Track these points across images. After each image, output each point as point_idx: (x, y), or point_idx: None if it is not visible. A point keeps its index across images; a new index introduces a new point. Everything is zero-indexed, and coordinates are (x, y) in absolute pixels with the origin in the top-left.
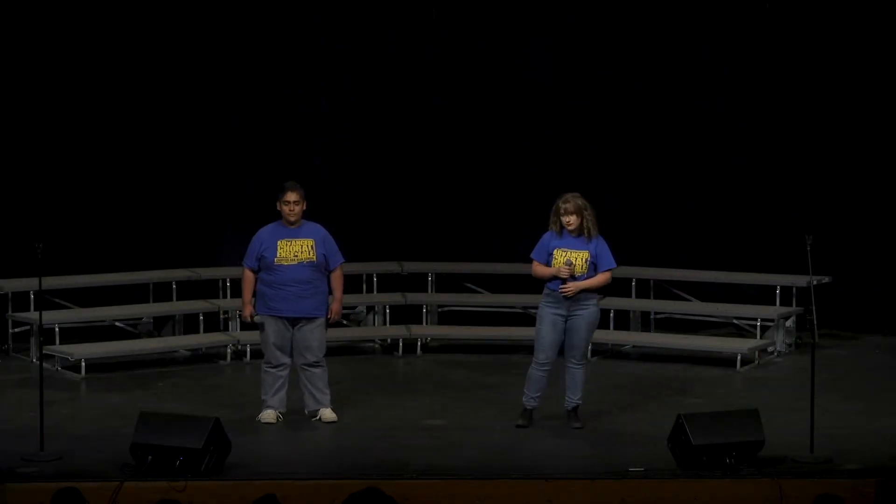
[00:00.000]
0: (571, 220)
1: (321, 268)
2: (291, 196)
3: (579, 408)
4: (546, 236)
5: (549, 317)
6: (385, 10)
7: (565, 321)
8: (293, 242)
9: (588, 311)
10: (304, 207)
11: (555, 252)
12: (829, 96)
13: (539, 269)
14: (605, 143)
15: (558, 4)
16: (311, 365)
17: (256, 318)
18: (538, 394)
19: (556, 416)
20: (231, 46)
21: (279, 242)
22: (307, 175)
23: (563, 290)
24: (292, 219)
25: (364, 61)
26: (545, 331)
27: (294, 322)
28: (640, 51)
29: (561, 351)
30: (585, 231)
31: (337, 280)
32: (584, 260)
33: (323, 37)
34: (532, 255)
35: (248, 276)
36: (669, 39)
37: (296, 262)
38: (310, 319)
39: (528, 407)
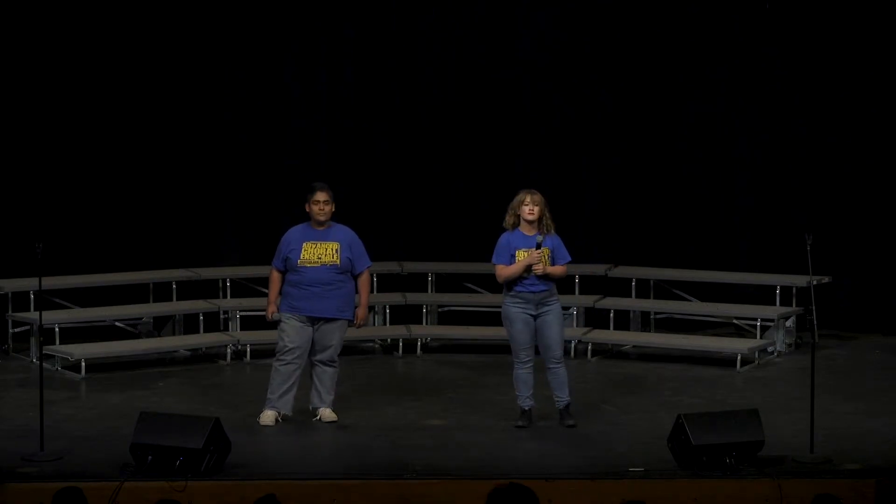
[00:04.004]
0: (535, 210)
1: (345, 271)
2: (321, 196)
3: (570, 405)
4: (503, 239)
5: (519, 316)
6: (386, 9)
7: (535, 319)
8: (318, 245)
9: (555, 308)
10: (333, 208)
11: (517, 253)
12: (829, 96)
13: (506, 270)
14: (604, 143)
15: (556, 5)
16: (324, 363)
17: (276, 317)
18: (531, 392)
19: (556, 417)
20: (231, 47)
21: (304, 245)
22: (307, 175)
23: (536, 268)
24: (322, 218)
25: (365, 61)
26: (519, 331)
27: (315, 321)
28: (639, 50)
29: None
30: (544, 228)
31: (363, 284)
32: (546, 256)
33: (323, 35)
34: (494, 261)
35: (275, 276)
36: (669, 39)
37: (318, 265)
38: (331, 320)
39: (525, 407)
